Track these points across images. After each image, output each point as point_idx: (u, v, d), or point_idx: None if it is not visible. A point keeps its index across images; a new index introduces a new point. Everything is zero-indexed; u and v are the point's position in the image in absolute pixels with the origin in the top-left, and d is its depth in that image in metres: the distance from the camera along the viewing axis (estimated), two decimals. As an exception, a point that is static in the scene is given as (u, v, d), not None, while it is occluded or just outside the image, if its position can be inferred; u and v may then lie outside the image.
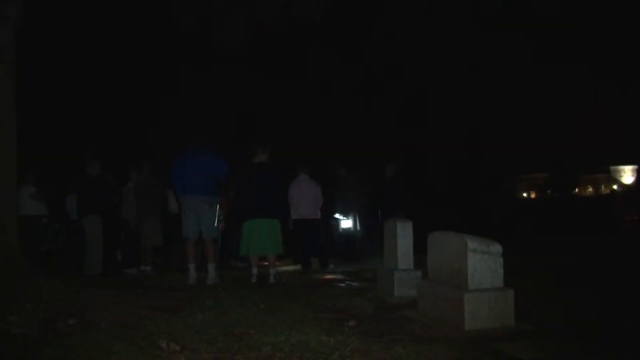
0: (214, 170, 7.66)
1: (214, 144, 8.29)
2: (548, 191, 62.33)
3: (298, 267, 10.03)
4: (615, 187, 60.69)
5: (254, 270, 7.77)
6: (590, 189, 71.75)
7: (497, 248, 4.45)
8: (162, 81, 21.25)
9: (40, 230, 10.29)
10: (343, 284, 7.44)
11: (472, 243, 4.35)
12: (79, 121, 19.56)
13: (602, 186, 69.91)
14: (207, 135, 8.11)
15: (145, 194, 9.63)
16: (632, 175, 71.36)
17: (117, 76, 20.16)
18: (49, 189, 10.92)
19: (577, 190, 65.65)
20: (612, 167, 72.78)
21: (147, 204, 9.63)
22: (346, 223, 11.41)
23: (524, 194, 67.00)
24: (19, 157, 5.70)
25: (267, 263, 8.23)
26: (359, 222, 11.33)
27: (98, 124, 20.07)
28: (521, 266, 7.16)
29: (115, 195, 10.07)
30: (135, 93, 20.69)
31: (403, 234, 6.18)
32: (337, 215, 11.42)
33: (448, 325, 4.35)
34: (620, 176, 72.07)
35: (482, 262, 4.37)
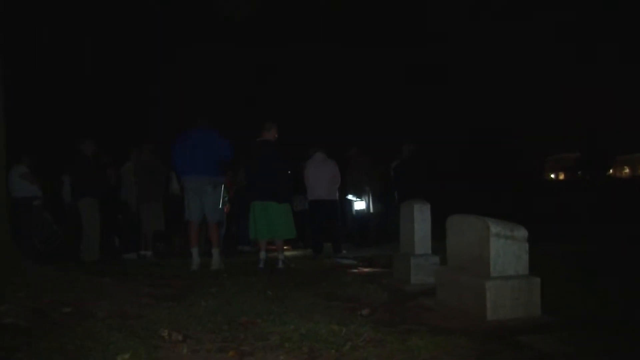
0: (218, 150, 7.66)
1: (220, 124, 8.29)
2: (579, 172, 61.55)
3: (308, 251, 10.07)
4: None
5: (262, 255, 7.81)
6: (627, 170, 70.64)
7: (522, 232, 4.42)
8: (162, 55, 21.26)
9: (32, 213, 10.35)
10: (356, 270, 7.47)
11: (494, 227, 4.33)
12: (75, 98, 19.61)
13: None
14: (212, 119, 8.09)
15: (147, 176, 9.67)
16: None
17: (114, 50, 20.17)
18: (43, 170, 10.96)
19: (612, 171, 64.52)
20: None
21: (149, 185, 9.67)
22: (359, 204, 11.42)
23: (552, 175, 66.31)
24: (12, 137, 5.72)
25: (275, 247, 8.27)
26: (373, 205, 11.34)
27: (95, 100, 20.10)
28: (548, 254, 7.13)
29: (112, 176, 10.11)
30: (133, 68, 20.69)
31: (420, 218, 6.17)
32: (349, 197, 11.42)
33: (468, 315, 4.35)
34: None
35: (506, 247, 4.35)
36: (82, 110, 19.32)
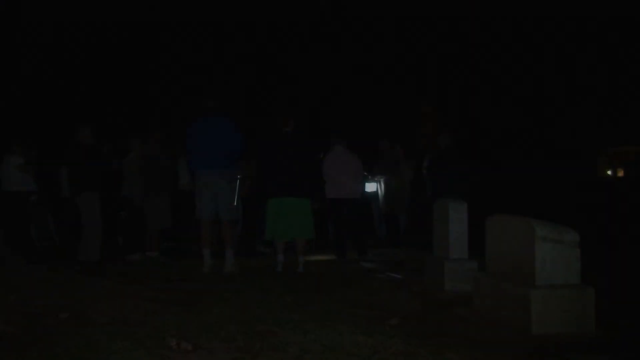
0: (232, 143, 7.65)
1: (231, 109, 8.27)
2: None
3: (331, 254, 10.06)
4: None
5: (280, 258, 7.82)
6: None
7: (572, 236, 4.37)
8: (162, 30, 21.16)
9: (29, 209, 10.43)
10: (383, 275, 7.46)
11: (541, 229, 4.29)
12: (71, 82, 19.68)
13: None
14: (222, 100, 8.09)
15: (153, 168, 9.69)
16: None
17: (110, 27, 20.19)
18: (39, 159, 11.00)
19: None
20: None
21: (155, 179, 9.69)
22: (370, 186, 11.42)
23: (608, 172, 65.33)
24: (4, 123, 5.78)
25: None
26: (399, 201, 11.30)
27: (92, 83, 20.13)
28: (605, 259, 7.05)
29: (114, 168, 10.13)
30: (132, 45, 20.67)
31: (456, 218, 6.14)
32: None
33: (510, 328, 4.31)
34: None
35: (554, 252, 4.31)
36: (79, 95, 19.41)
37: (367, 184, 11.48)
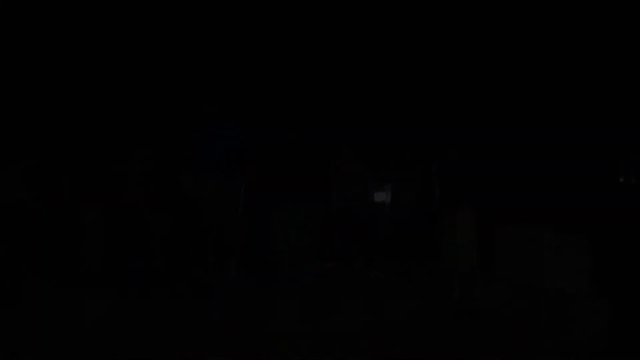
0: (232, 149, 7.64)
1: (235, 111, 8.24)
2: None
3: (337, 262, 10.05)
4: None
5: (285, 266, 7.82)
6: None
7: (583, 244, 4.37)
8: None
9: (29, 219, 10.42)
10: (390, 284, 7.45)
11: (550, 239, 4.29)
12: (72, 86, 19.58)
13: None
14: (224, 104, 8.08)
15: (154, 175, 9.69)
16: None
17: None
18: (40, 167, 11.00)
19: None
20: None
21: (155, 185, 9.69)
22: (379, 196, 11.41)
23: (620, 179, 64.79)
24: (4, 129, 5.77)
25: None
26: (406, 208, 11.27)
27: (92, 86, 20.00)
28: (618, 269, 7.03)
29: (116, 175, 10.13)
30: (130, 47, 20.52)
31: (464, 226, 6.14)
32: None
33: (521, 338, 4.31)
34: None
35: (565, 262, 4.30)
36: (81, 101, 19.30)
37: (375, 193, 11.44)
